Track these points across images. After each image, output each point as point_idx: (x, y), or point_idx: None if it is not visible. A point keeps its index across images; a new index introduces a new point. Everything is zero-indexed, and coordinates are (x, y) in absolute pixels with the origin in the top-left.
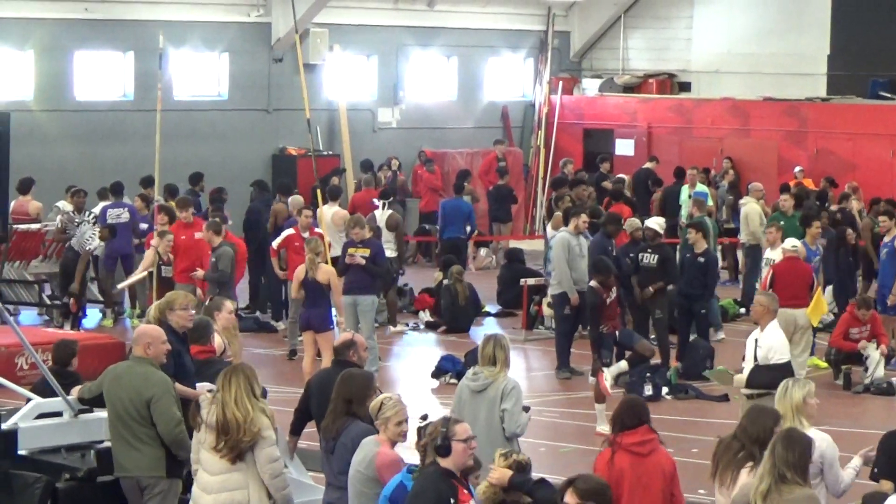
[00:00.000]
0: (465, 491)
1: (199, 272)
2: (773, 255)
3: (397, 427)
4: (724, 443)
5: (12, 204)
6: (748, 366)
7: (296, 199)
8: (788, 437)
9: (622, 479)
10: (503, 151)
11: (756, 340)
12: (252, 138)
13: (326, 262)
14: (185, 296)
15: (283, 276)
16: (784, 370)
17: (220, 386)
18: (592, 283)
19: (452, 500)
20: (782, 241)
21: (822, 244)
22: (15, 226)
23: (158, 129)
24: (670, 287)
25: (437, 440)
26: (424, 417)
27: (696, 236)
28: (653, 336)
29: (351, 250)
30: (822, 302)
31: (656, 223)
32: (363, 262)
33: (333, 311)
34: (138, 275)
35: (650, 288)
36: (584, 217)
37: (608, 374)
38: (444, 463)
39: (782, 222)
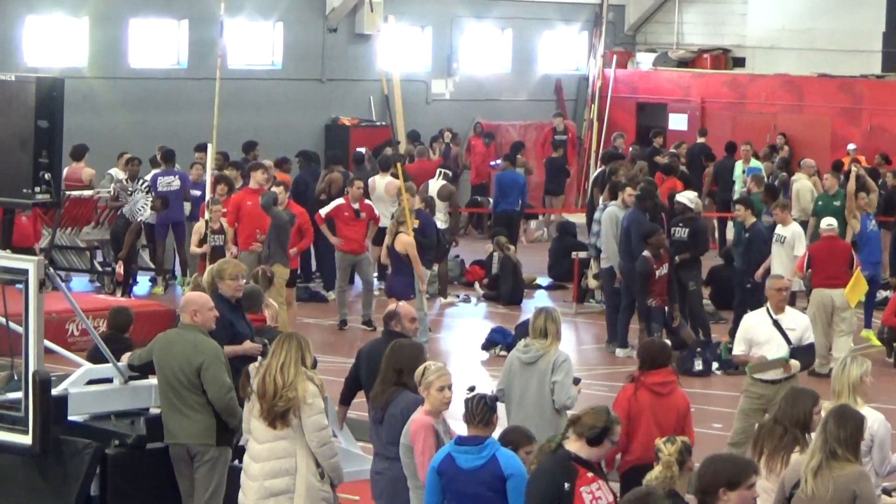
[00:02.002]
0: (590, 474)
1: (257, 245)
2: (784, 232)
3: (439, 392)
4: (766, 428)
5: (65, 170)
6: (772, 349)
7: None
8: (841, 414)
9: (641, 414)
10: (563, 124)
11: (777, 323)
12: (305, 108)
13: (408, 234)
14: (235, 265)
15: (337, 244)
16: (813, 350)
17: (270, 352)
18: (645, 253)
19: (567, 484)
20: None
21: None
22: (67, 192)
23: (217, 97)
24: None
25: (596, 429)
26: (472, 389)
27: (743, 212)
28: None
29: None
30: (862, 282)
31: (686, 197)
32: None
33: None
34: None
35: (676, 258)
36: (629, 190)
37: None
38: (575, 446)
39: (820, 202)
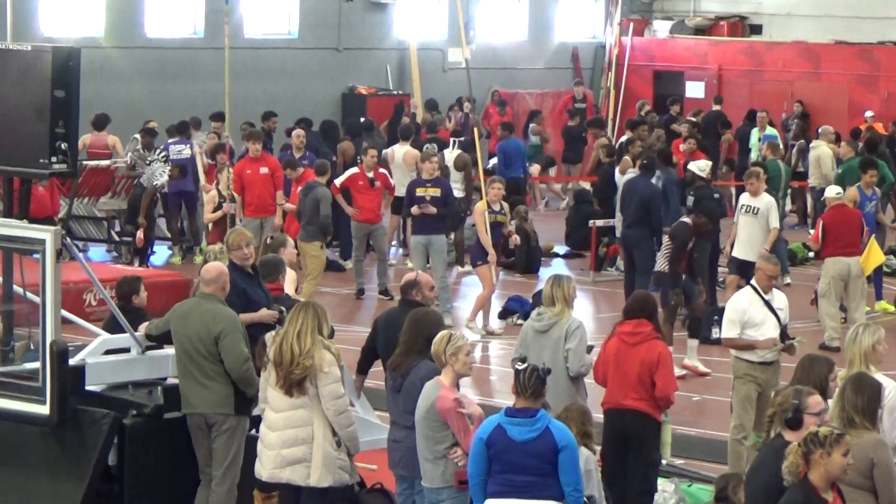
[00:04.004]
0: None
1: (289, 205)
2: (755, 202)
3: (467, 357)
4: (782, 395)
5: (90, 139)
6: (768, 330)
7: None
8: (858, 381)
9: (608, 361)
10: (582, 92)
11: (768, 303)
12: (322, 77)
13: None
14: (238, 234)
15: (353, 214)
16: None
17: (287, 320)
18: (686, 219)
19: None
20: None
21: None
22: (85, 162)
23: (227, 65)
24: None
25: (787, 412)
26: (524, 360)
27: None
28: None
29: (420, 190)
30: (877, 250)
31: (696, 166)
32: (434, 211)
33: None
34: (216, 213)
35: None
36: (627, 159)
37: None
38: (792, 436)
39: (842, 169)
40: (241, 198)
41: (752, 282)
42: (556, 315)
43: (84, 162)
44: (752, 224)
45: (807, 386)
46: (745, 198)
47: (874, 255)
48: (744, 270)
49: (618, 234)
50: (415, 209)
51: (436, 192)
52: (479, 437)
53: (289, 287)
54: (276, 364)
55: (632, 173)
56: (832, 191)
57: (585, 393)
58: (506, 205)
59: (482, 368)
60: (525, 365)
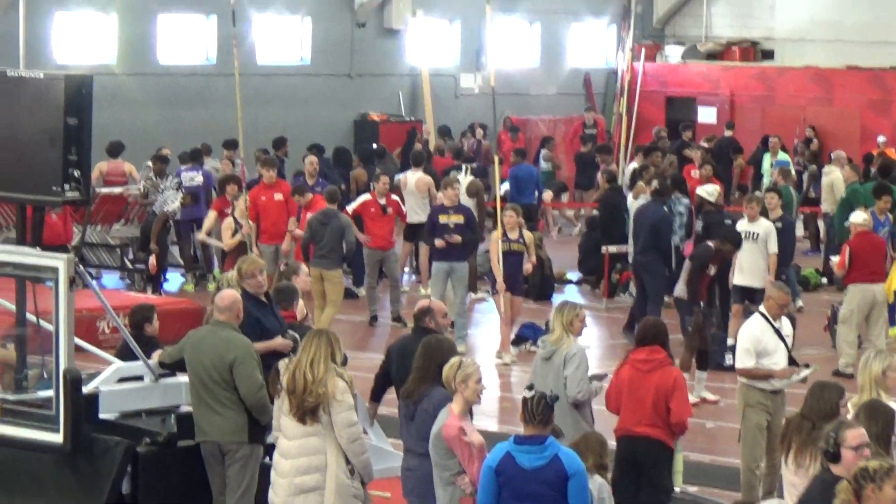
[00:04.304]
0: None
1: (299, 231)
2: (755, 228)
3: (477, 385)
4: (793, 423)
5: (106, 166)
6: (780, 358)
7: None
8: (872, 408)
9: (622, 389)
10: (593, 118)
11: (778, 331)
12: (334, 103)
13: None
14: (252, 262)
15: (365, 241)
16: None
17: (301, 347)
18: (710, 243)
19: None
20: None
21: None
22: (98, 189)
23: (238, 91)
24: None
25: (827, 446)
26: (531, 388)
27: (775, 202)
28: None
29: (442, 217)
30: None
31: (704, 190)
32: (459, 240)
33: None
34: (235, 239)
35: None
36: (641, 185)
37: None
38: (836, 470)
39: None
40: (257, 225)
41: (762, 310)
42: (555, 342)
43: (97, 189)
44: (754, 250)
45: (820, 413)
46: (743, 224)
47: None
48: (748, 298)
49: (630, 259)
50: (439, 242)
51: (459, 218)
52: (488, 466)
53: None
54: (290, 392)
55: (644, 199)
56: (859, 217)
57: (592, 419)
58: (528, 235)
59: (503, 396)
60: (532, 392)
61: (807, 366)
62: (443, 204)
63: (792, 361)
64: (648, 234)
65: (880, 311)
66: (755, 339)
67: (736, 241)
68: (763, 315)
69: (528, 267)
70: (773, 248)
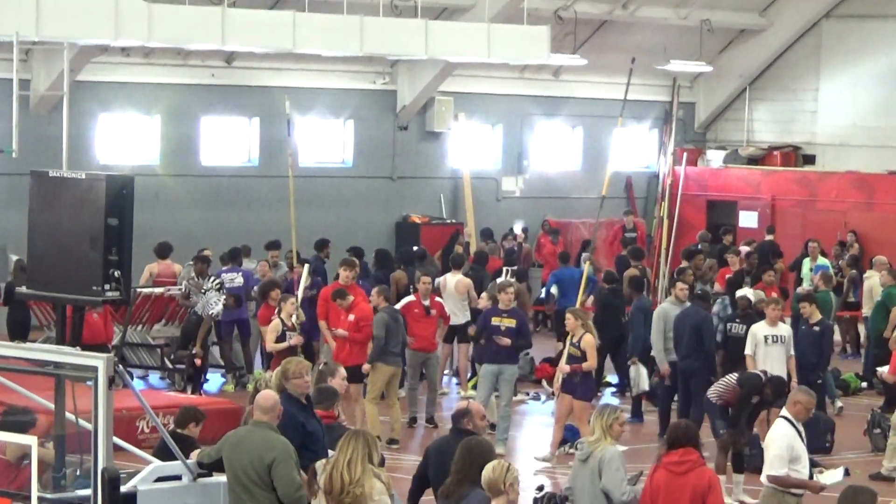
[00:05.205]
0: None
1: (341, 331)
2: (780, 331)
3: (517, 487)
4: None
5: (156, 268)
6: (806, 462)
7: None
8: None
9: (658, 493)
10: (633, 221)
11: (801, 434)
12: (376, 205)
13: (591, 332)
14: (297, 363)
15: (409, 343)
16: None
17: (338, 448)
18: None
19: None
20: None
21: None
22: (139, 289)
23: (292, 195)
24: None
25: None
26: (541, 489)
27: (810, 308)
28: None
29: (495, 320)
30: None
31: (751, 293)
32: (509, 342)
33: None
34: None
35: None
36: (680, 286)
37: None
38: None
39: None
40: (325, 322)
41: (787, 415)
42: (593, 444)
43: (139, 289)
44: (781, 354)
45: None
46: (765, 328)
47: None
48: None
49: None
50: (497, 339)
51: (511, 323)
52: None
53: None
54: (327, 492)
55: (668, 303)
56: None
57: None
58: (588, 338)
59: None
60: (543, 493)
61: (821, 470)
62: (496, 307)
63: (812, 463)
64: (691, 338)
65: None
66: (788, 446)
67: (779, 391)
68: (788, 420)
69: (584, 366)
70: (791, 350)
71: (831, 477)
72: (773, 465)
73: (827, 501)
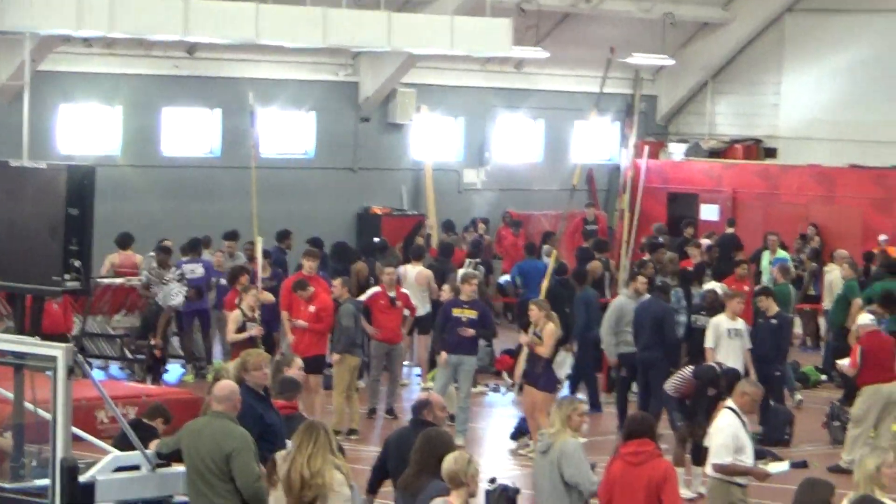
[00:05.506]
0: None
1: (301, 321)
2: (738, 325)
3: (478, 479)
4: None
5: (118, 258)
6: (751, 453)
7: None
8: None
9: (614, 484)
10: (594, 214)
11: (745, 425)
12: (337, 197)
13: (554, 324)
14: (257, 355)
15: (374, 334)
16: None
17: (296, 442)
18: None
19: None
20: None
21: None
22: (100, 280)
23: (254, 186)
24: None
25: None
26: (493, 480)
27: (767, 301)
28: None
29: (456, 311)
30: None
31: (718, 287)
32: (472, 333)
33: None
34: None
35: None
36: (640, 279)
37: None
38: None
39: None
40: (287, 314)
41: (733, 406)
42: (553, 436)
43: (99, 280)
44: (738, 348)
45: None
46: (726, 322)
47: None
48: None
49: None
50: (460, 330)
51: (472, 314)
52: None
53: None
54: (287, 491)
55: (625, 297)
56: (866, 318)
57: None
58: (549, 328)
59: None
60: (494, 485)
61: (766, 462)
62: (458, 298)
63: (757, 455)
64: (652, 330)
65: (892, 410)
66: (734, 436)
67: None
68: (734, 410)
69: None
70: (748, 343)
71: (776, 467)
72: (719, 453)
73: (777, 494)
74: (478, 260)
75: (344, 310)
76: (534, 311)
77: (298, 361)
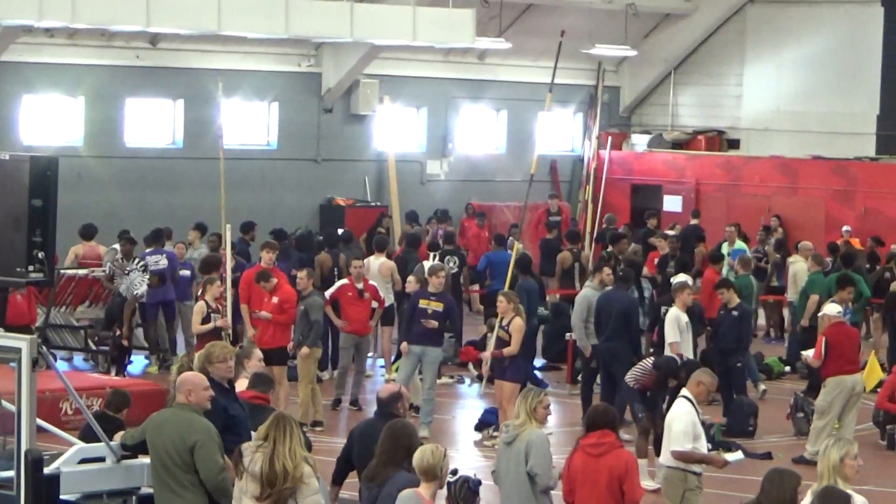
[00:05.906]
0: None
1: (264, 313)
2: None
3: (448, 472)
4: None
5: (82, 249)
6: (705, 441)
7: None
8: (825, 495)
9: (575, 475)
10: (557, 205)
11: (698, 413)
12: (300, 188)
13: (520, 316)
14: (222, 347)
15: (342, 326)
16: None
17: (271, 435)
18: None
19: None
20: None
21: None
22: (63, 271)
23: (223, 177)
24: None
25: None
26: (454, 472)
27: (728, 294)
28: None
29: (423, 302)
30: (877, 366)
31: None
32: (436, 325)
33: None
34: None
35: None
36: (606, 270)
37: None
38: None
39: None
40: (247, 306)
41: (688, 395)
42: (518, 427)
43: (63, 271)
44: (688, 340)
45: (775, 499)
46: (683, 315)
47: (875, 371)
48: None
49: (579, 344)
50: (425, 322)
51: (438, 306)
52: None
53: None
54: (268, 484)
55: (589, 288)
56: (833, 308)
57: None
58: (517, 322)
59: None
60: (456, 477)
61: (729, 449)
62: (426, 289)
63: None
64: (616, 321)
65: (856, 400)
66: (692, 423)
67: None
68: (689, 399)
69: (504, 351)
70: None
71: (733, 456)
72: (679, 440)
73: (733, 483)
74: (451, 248)
75: (313, 303)
76: (502, 304)
77: (258, 353)
